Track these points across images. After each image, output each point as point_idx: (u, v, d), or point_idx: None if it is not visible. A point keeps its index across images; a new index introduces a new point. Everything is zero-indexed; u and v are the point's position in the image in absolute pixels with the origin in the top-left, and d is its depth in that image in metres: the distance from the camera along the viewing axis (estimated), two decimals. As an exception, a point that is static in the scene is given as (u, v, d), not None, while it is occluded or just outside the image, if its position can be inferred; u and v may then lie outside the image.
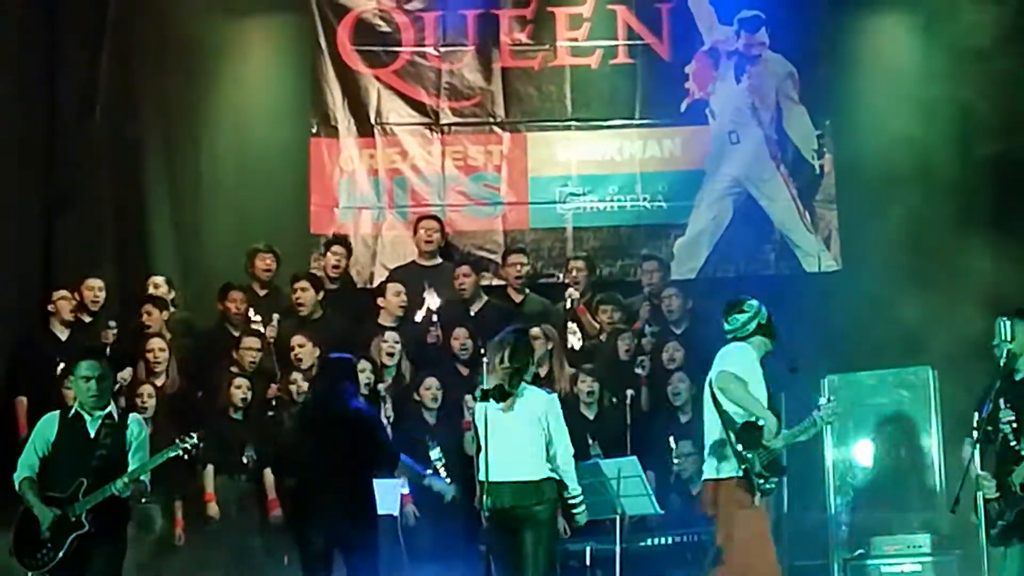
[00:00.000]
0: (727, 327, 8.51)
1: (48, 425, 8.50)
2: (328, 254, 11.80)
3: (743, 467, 8.22)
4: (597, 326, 11.36)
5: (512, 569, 8.35)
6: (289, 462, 9.58)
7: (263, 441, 10.30)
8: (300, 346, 10.70)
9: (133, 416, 8.67)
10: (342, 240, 11.96)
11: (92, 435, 8.41)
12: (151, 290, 11.38)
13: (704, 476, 8.54)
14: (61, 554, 8.24)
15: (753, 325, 8.43)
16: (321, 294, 11.38)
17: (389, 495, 9.51)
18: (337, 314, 11.42)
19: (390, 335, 10.71)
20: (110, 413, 8.50)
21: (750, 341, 8.46)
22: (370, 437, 8.96)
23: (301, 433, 9.24)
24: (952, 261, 11.62)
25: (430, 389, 10.46)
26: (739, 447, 8.21)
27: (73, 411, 8.50)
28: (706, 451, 8.48)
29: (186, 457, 8.60)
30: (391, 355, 10.61)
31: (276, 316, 11.09)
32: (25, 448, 8.51)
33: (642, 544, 9.92)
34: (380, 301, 11.32)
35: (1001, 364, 8.28)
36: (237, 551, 10.06)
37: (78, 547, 8.25)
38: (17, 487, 8.38)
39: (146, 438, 8.57)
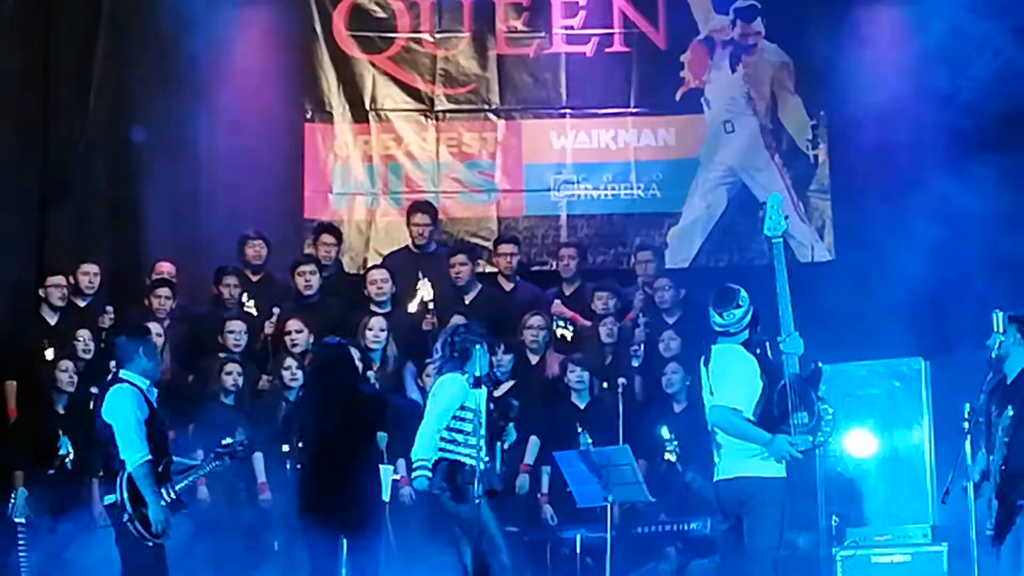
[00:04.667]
0: (720, 321, 8.12)
1: (139, 402, 8.18)
2: (318, 242, 11.79)
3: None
4: (590, 324, 11.32)
5: None
6: (296, 447, 9.57)
7: (254, 426, 10.30)
8: (297, 331, 10.70)
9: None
10: (329, 227, 11.95)
11: (157, 409, 8.35)
12: (164, 275, 11.38)
13: (738, 472, 8.03)
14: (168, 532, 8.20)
15: (747, 319, 8.14)
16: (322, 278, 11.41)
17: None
18: (332, 299, 11.43)
19: (375, 321, 10.70)
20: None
21: (741, 336, 8.16)
22: (381, 421, 9.17)
23: (305, 418, 9.24)
24: (946, 251, 11.64)
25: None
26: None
27: (147, 385, 8.28)
28: (727, 446, 8.05)
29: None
30: (376, 340, 10.58)
31: (276, 309, 11.07)
32: (128, 428, 8.09)
33: (632, 532, 9.94)
34: (365, 290, 11.32)
35: (993, 356, 8.26)
36: (226, 535, 10.07)
37: None
38: (131, 470, 8.06)
39: None
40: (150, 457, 8.11)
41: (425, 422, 8.86)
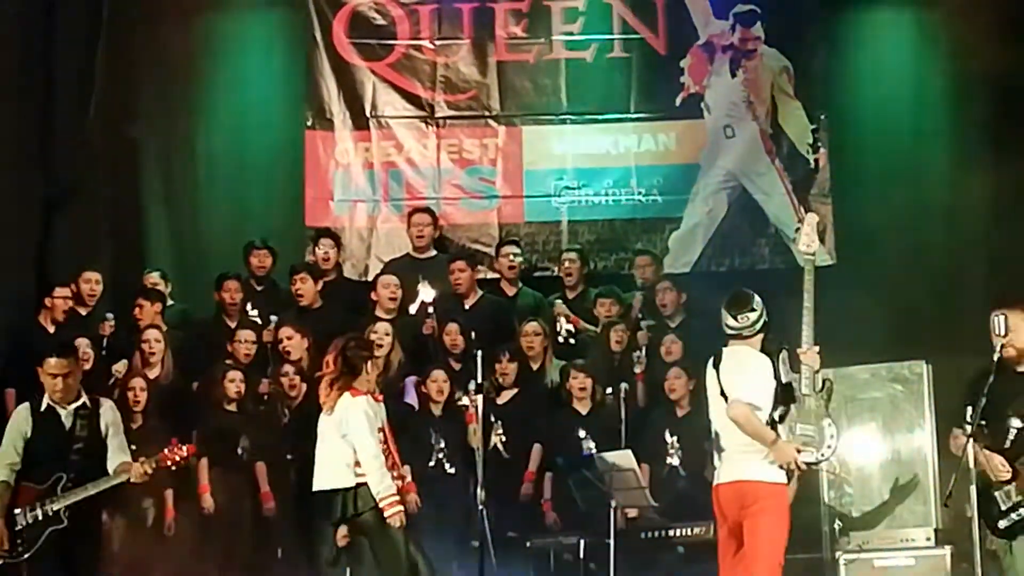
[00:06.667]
0: (733, 324, 8.04)
1: (22, 420, 8.57)
2: (316, 248, 11.79)
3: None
4: (595, 329, 11.31)
5: None
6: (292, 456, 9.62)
7: (257, 433, 10.30)
8: (288, 338, 10.71)
9: (104, 401, 8.76)
10: (327, 233, 11.95)
11: (68, 427, 8.53)
12: (147, 285, 11.39)
13: (741, 476, 7.95)
14: (36, 547, 8.34)
15: (760, 324, 8.08)
16: (320, 284, 11.38)
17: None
18: (334, 305, 11.42)
19: (381, 326, 10.69)
20: (84, 403, 8.62)
21: (755, 341, 8.09)
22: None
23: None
24: (947, 255, 11.66)
25: (436, 381, 10.38)
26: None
27: (45, 404, 8.60)
28: (730, 450, 7.99)
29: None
30: (379, 346, 10.56)
31: (274, 318, 11.07)
32: (1, 447, 8.58)
33: (636, 537, 9.93)
34: (373, 294, 11.33)
35: (995, 359, 8.26)
36: (230, 543, 10.06)
37: (54, 541, 8.35)
38: None
39: (119, 421, 8.74)
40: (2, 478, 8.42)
41: (366, 453, 8.63)
